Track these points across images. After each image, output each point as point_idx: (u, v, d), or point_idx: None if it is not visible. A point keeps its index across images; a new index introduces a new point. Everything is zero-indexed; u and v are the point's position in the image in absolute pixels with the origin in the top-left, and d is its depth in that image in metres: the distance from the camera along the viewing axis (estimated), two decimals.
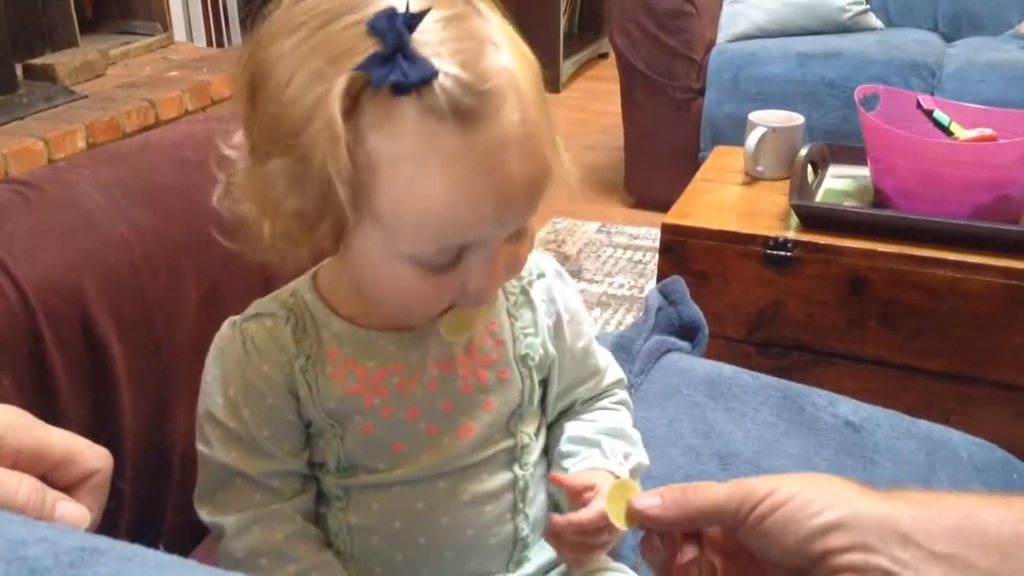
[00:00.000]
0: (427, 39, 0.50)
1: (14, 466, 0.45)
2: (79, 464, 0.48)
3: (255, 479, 0.63)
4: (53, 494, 0.46)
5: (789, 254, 1.44)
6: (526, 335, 0.67)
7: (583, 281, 2.37)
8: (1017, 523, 0.45)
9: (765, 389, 0.98)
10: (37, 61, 2.41)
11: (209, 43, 2.95)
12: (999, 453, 0.93)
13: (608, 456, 0.68)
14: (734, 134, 2.02)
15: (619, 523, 0.56)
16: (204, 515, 0.64)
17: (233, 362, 0.63)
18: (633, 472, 0.69)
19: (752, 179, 1.66)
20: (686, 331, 1.08)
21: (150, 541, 0.35)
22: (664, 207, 1.61)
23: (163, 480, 0.78)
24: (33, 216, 0.74)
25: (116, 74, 2.55)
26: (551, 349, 0.69)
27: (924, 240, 1.38)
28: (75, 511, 0.46)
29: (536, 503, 0.69)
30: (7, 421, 0.46)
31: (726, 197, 1.62)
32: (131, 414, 0.74)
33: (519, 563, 0.68)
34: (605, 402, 0.74)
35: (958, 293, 1.36)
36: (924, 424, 0.95)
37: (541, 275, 0.70)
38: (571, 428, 0.71)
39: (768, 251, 1.45)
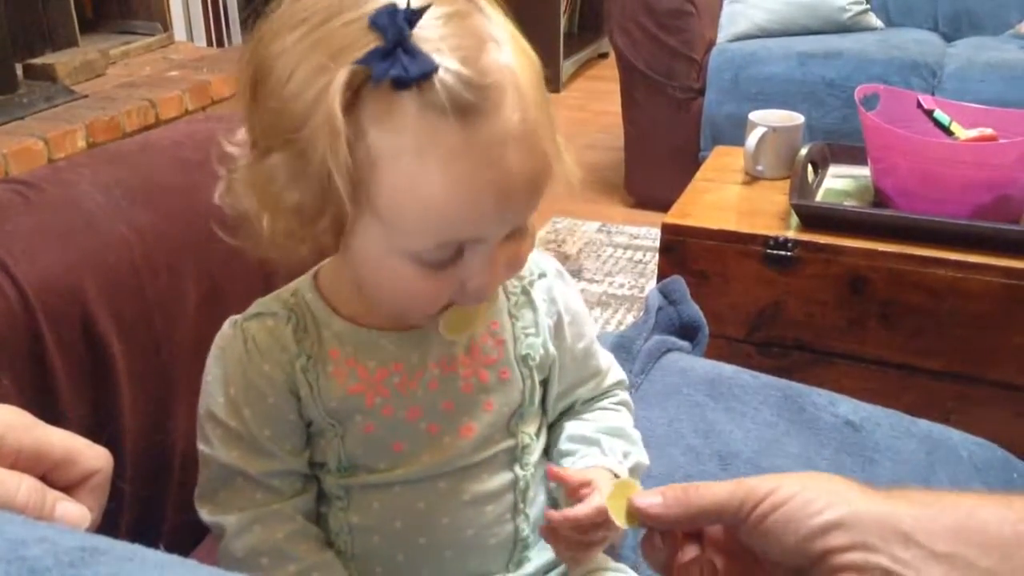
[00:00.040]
0: (428, 35, 0.50)
1: (14, 466, 0.45)
2: (79, 464, 0.48)
3: (256, 478, 0.63)
4: (53, 494, 0.46)
5: (789, 254, 1.44)
6: (527, 335, 0.67)
7: (583, 281, 2.37)
8: (1017, 522, 0.45)
9: (765, 389, 0.98)
10: (37, 61, 2.41)
11: (209, 43, 2.95)
12: (999, 452, 0.93)
13: (607, 454, 0.68)
14: (734, 134, 2.02)
15: (620, 522, 0.56)
16: (205, 515, 0.64)
17: (234, 361, 0.63)
18: (632, 471, 0.69)
19: (752, 179, 1.66)
20: (686, 331, 1.08)
21: (150, 541, 0.35)
22: (664, 207, 1.61)
23: (163, 480, 0.78)
24: (33, 216, 0.74)
25: (116, 74, 2.55)
26: (552, 349, 0.69)
27: (924, 240, 1.38)
28: (75, 511, 0.46)
29: (537, 503, 0.69)
30: (7, 421, 0.46)
31: (726, 197, 1.62)
32: (131, 414, 0.74)
33: (519, 563, 0.68)
34: (606, 402, 0.74)
35: (958, 293, 1.36)
36: (924, 423, 0.95)
37: (542, 275, 0.70)
38: (571, 427, 0.71)
39: (768, 251, 1.45)
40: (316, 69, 0.51)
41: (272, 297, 0.66)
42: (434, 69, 0.49)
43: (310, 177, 0.52)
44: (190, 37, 2.92)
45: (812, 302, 1.46)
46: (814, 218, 1.45)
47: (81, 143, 2.11)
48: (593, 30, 4.42)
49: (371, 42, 0.50)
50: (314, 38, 0.52)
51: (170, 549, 0.35)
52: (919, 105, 1.54)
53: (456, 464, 0.65)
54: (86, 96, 2.33)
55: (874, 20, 2.70)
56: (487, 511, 0.66)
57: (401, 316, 0.63)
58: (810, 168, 1.58)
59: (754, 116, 1.66)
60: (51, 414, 0.60)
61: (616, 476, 0.65)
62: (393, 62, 0.49)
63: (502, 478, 0.66)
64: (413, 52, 0.49)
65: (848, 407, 0.96)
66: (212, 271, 0.81)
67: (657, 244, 1.56)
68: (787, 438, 0.91)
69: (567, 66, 4.08)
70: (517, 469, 0.67)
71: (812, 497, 0.48)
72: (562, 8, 3.98)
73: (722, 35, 2.63)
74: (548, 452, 0.72)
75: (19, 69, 2.33)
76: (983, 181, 1.36)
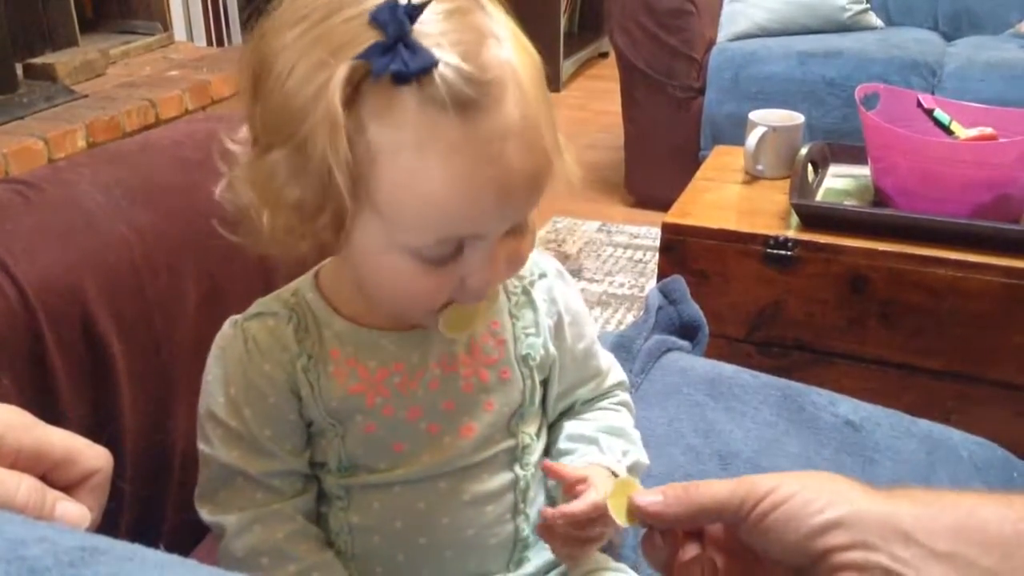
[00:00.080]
0: (428, 30, 0.50)
1: (14, 466, 0.45)
2: (79, 464, 0.48)
3: (256, 478, 0.63)
4: (53, 494, 0.46)
5: (789, 253, 1.44)
6: (527, 335, 0.67)
7: (583, 280, 2.37)
8: (1018, 521, 0.45)
9: (765, 388, 0.98)
10: (37, 61, 2.41)
11: (209, 43, 2.95)
12: (999, 452, 0.93)
13: (605, 452, 0.68)
14: (734, 133, 2.02)
15: (620, 520, 0.56)
16: (205, 514, 0.64)
17: (235, 361, 0.63)
18: (631, 469, 0.69)
19: (752, 178, 1.66)
20: (686, 330, 1.08)
21: (150, 541, 0.35)
22: (664, 206, 1.61)
23: (163, 480, 0.78)
24: (33, 216, 0.74)
25: (116, 73, 2.55)
26: (552, 349, 0.69)
27: (924, 239, 1.38)
28: (75, 511, 0.46)
29: (537, 503, 0.69)
30: (7, 421, 0.46)
31: (726, 196, 1.62)
32: (131, 414, 0.74)
33: (519, 563, 0.68)
34: (606, 403, 0.74)
35: (958, 292, 1.36)
36: (924, 423, 0.95)
37: (543, 275, 0.70)
38: (570, 427, 0.71)
39: (768, 250, 1.45)
40: (316, 65, 0.51)
41: (273, 297, 0.66)
42: (434, 63, 0.49)
43: (310, 173, 0.52)
44: (190, 37, 2.92)
45: (812, 302, 1.46)
46: (814, 218, 1.45)
47: (81, 143, 2.11)
48: (593, 29, 4.42)
49: (371, 38, 0.50)
50: (315, 34, 0.52)
51: (170, 549, 0.35)
52: (919, 104, 1.54)
53: (456, 464, 0.64)
54: (86, 96, 2.32)
55: (874, 19, 2.71)
56: (487, 511, 0.66)
57: (401, 314, 0.62)
58: (810, 168, 1.58)
59: (754, 115, 1.66)
60: (51, 414, 0.60)
61: (614, 474, 0.65)
62: (393, 57, 0.49)
63: (502, 478, 0.66)
64: (413, 47, 0.49)
65: (848, 407, 0.96)
66: (212, 271, 0.81)
67: (657, 243, 1.56)
68: (787, 438, 0.91)
69: (567, 66, 4.08)
70: (517, 469, 0.67)
71: (813, 496, 0.48)
72: (562, 7, 3.98)
73: (722, 34, 2.63)
74: (548, 452, 0.72)
75: (19, 69, 2.33)
76: (983, 180, 1.36)
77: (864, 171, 1.55)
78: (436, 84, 0.50)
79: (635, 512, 0.55)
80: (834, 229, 1.43)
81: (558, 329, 0.69)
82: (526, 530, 0.67)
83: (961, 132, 1.47)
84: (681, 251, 1.51)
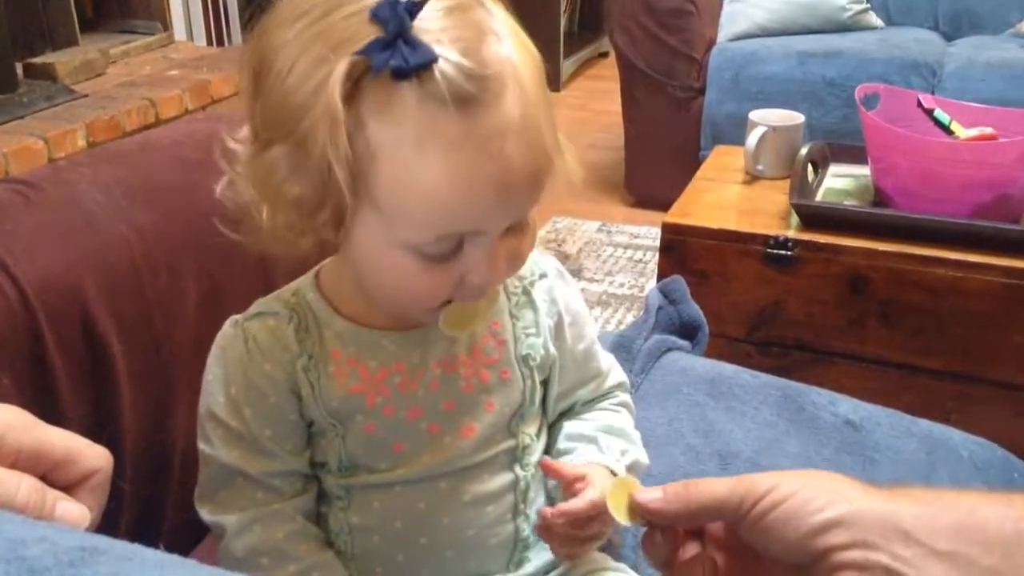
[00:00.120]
0: (428, 26, 0.50)
1: (14, 466, 0.45)
2: (79, 464, 0.48)
3: (256, 478, 0.63)
4: (53, 494, 0.46)
5: (789, 253, 1.44)
6: (528, 335, 0.67)
7: (583, 280, 2.37)
8: (1018, 520, 0.45)
9: (765, 388, 0.98)
10: (37, 60, 2.41)
11: (209, 42, 2.95)
12: (999, 452, 0.93)
13: (604, 451, 0.68)
14: (734, 133, 2.02)
15: (621, 518, 0.56)
16: (205, 514, 0.64)
17: (235, 361, 0.63)
18: (630, 469, 0.69)
19: (752, 178, 1.66)
20: (686, 330, 1.08)
21: (150, 541, 0.35)
22: (664, 206, 1.61)
23: (163, 480, 0.78)
24: (33, 215, 0.74)
25: (116, 73, 2.55)
26: (552, 350, 0.69)
27: (924, 239, 1.38)
28: (75, 511, 0.46)
29: (537, 504, 0.69)
30: (7, 421, 0.46)
31: (726, 196, 1.62)
32: (131, 414, 0.74)
33: (520, 563, 0.68)
34: (606, 404, 0.74)
35: (958, 292, 1.36)
36: (924, 423, 0.95)
37: (543, 275, 0.70)
38: (569, 426, 0.71)
39: (768, 250, 1.45)
40: (316, 61, 0.51)
41: (273, 297, 0.66)
42: (434, 59, 0.50)
43: (310, 169, 0.52)
44: (190, 36, 2.92)
45: (812, 301, 1.46)
46: (814, 217, 1.45)
47: (81, 142, 2.11)
48: (593, 29, 4.42)
49: (371, 34, 0.50)
50: (315, 31, 0.52)
51: (170, 549, 0.35)
52: (919, 104, 1.54)
53: (457, 464, 0.64)
54: (86, 95, 2.32)
55: (874, 19, 2.70)
56: (488, 511, 0.66)
57: (401, 312, 0.62)
58: (810, 167, 1.58)
59: (754, 115, 1.66)
60: (51, 414, 0.60)
61: (613, 473, 0.65)
62: (393, 52, 0.49)
63: (503, 478, 0.66)
64: (413, 43, 0.49)
65: (848, 406, 0.96)
66: (212, 270, 0.81)
67: (657, 243, 1.56)
68: (787, 437, 0.91)
69: (567, 65, 4.08)
70: (518, 469, 0.67)
71: (813, 494, 0.48)
72: (562, 7, 3.98)
73: (722, 34, 2.63)
74: (548, 452, 0.71)
75: (19, 68, 2.33)
76: (983, 180, 1.36)
77: (864, 171, 1.55)
78: (436, 80, 0.50)
79: (635, 509, 0.55)
80: (834, 229, 1.43)
81: (558, 329, 0.69)
82: (526, 530, 0.67)
83: (961, 132, 1.47)
84: (681, 251, 1.51)
